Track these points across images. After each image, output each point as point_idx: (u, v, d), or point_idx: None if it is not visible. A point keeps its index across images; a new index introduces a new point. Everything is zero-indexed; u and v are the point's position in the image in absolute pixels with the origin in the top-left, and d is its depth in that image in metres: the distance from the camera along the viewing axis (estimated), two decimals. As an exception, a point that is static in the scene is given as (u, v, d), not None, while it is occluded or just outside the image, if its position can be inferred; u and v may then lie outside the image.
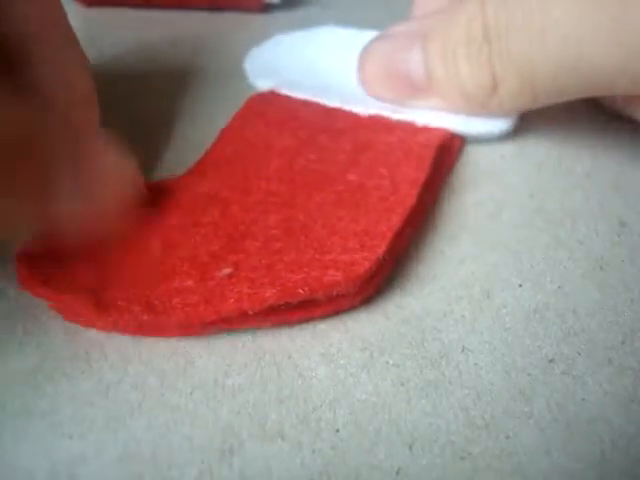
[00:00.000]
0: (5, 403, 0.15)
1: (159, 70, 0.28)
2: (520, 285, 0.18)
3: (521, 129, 0.23)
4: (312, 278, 0.16)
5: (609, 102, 0.23)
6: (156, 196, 0.19)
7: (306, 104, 0.24)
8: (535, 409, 0.15)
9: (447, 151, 0.22)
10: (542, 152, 0.23)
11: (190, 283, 0.17)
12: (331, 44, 0.27)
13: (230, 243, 0.18)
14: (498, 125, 0.23)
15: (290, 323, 0.17)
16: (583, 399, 0.15)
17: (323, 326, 0.17)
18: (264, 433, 0.14)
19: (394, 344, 0.16)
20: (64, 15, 0.18)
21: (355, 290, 0.17)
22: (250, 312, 0.16)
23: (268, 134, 0.22)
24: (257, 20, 0.32)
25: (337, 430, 0.14)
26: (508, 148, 0.23)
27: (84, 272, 0.17)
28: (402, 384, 0.15)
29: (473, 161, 0.22)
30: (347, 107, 0.23)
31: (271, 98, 0.24)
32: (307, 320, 0.17)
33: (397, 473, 0.14)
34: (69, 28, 0.18)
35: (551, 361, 0.16)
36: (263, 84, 0.25)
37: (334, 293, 0.16)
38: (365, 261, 0.17)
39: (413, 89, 0.22)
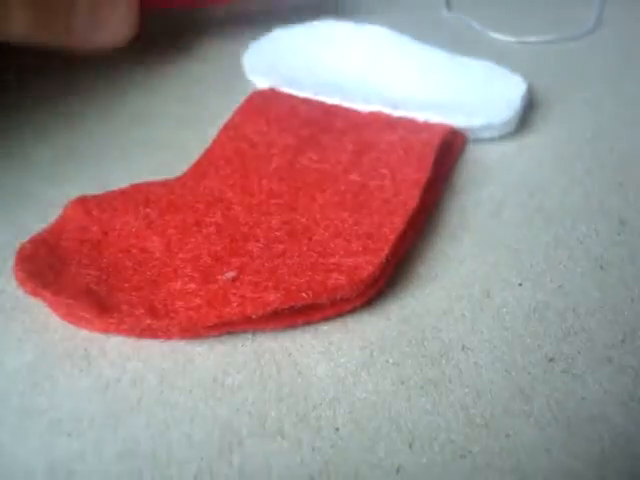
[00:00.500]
0: (4, 400, 0.15)
1: (151, 64, 0.27)
2: (520, 284, 0.18)
3: (521, 129, 0.23)
4: (316, 282, 0.16)
5: None
6: (157, 196, 0.19)
7: (306, 102, 0.23)
8: (535, 408, 0.15)
9: (449, 150, 0.22)
10: (542, 151, 0.23)
11: (193, 286, 0.16)
12: (330, 38, 0.27)
13: (232, 244, 0.18)
14: (499, 116, 0.22)
15: (292, 326, 0.17)
16: (583, 398, 0.15)
17: (323, 325, 0.17)
18: (264, 431, 0.14)
19: (394, 343, 0.16)
20: None
21: (358, 293, 0.17)
22: (253, 316, 0.16)
23: (269, 132, 0.22)
24: (259, 13, 0.32)
25: (337, 428, 0.14)
26: (508, 147, 0.23)
27: (84, 274, 0.17)
28: (402, 382, 0.15)
29: (473, 160, 0.22)
30: (347, 104, 0.23)
31: (271, 96, 0.24)
32: (309, 323, 0.17)
33: (397, 471, 0.14)
34: None
35: (551, 360, 0.16)
36: (262, 82, 0.25)
37: (338, 297, 0.16)
38: (369, 265, 0.17)
39: None
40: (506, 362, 0.16)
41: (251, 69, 0.25)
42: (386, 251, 0.17)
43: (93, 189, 0.20)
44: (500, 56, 0.25)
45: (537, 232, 0.19)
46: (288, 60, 0.26)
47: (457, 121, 0.22)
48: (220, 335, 0.16)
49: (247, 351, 0.16)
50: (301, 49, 0.26)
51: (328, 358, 0.16)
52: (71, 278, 0.16)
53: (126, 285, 0.17)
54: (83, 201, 0.19)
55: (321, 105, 0.23)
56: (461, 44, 0.27)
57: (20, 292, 0.18)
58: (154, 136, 0.23)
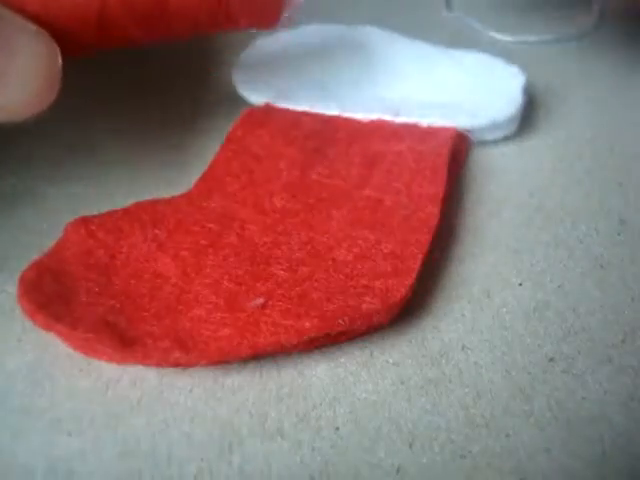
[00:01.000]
0: (4, 400, 0.15)
1: (147, 76, 0.27)
2: (520, 284, 0.18)
3: (521, 128, 0.23)
4: (350, 307, 0.16)
5: None
6: (163, 215, 0.19)
7: (305, 114, 0.23)
8: (535, 408, 0.15)
9: (455, 156, 0.22)
10: (542, 151, 0.23)
11: (219, 314, 0.16)
12: (320, 43, 0.26)
13: (254, 268, 0.17)
14: (502, 113, 0.22)
15: (318, 347, 0.16)
16: (583, 398, 0.15)
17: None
18: (264, 431, 0.14)
19: (394, 343, 0.16)
20: None
21: (391, 317, 0.16)
22: (287, 345, 0.15)
23: (274, 145, 0.21)
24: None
25: (337, 428, 0.14)
26: (508, 147, 0.23)
27: (97, 303, 0.16)
28: (402, 382, 0.15)
29: (473, 160, 0.22)
30: (346, 114, 0.23)
31: (268, 111, 0.23)
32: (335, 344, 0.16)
33: (397, 471, 0.14)
34: None
35: (551, 360, 0.16)
36: (257, 99, 0.24)
37: (373, 322, 0.16)
38: (401, 287, 0.16)
39: None
40: (506, 362, 0.16)
41: (244, 87, 0.24)
42: (416, 271, 0.17)
43: (94, 188, 0.20)
44: (500, 56, 0.25)
45: (537, 232, 0.19)
46: (280, 72, 0.25)
47: (460, 122, 0.22)
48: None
49: (247, 351, 0.16)
50: (290, 58, 0.25)
51: (328, 358, 0.16)
52: (84, 308, 0.16)
53: (145, 314, 0.16)
54: (84, 222, 0.18)
55: (320, 117, 0.23)
56: (461, 44, 0.27)
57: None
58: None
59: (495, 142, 0.23)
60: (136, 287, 0.17)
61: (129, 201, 0.21)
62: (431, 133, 0.22)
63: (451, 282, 0.18)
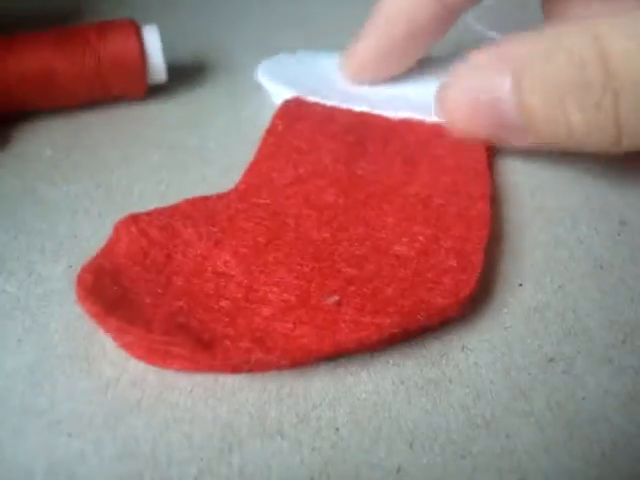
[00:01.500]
0: (4, 401, 0.15)
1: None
2: (520, 284, 0.18)
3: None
4: (425, 303, 0.16)
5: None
6: (215, 212, 0.18)
7: (336, 109, 0.23)
8: (535, 408, 0.15)
9: (488, 153, 0.22)
10: (542, 150, 0.23)
11: (295, 313, 0.15)
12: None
13: (320, 264, 0.17)
14: None
15: (394, 344, 0.16)
16: (583, 398, 0.15)
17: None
18: (264, 431, 0.14)
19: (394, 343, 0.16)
20: None
21: (463, 311, 0.16)
22: (368, 342, 0.15)
23: (314, 139, 0.21)
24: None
25: (337, 429, 0.14)
26: (508, 147, 0.23)
27: (165, 305, 0.15)
28: (402, 383, 0.15)
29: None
30: (376, 111, 0.23)
31: (301, 104, 0.23)
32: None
33: (397, 471, 0.14)
34: None
35: (551, 360, 0.16)
36: (286, 92, 0.24)
37: (447, 317, 0.16)
38: (470, 281, 0.17)
39: (502, 126, 0.19)
40: (506, 362, 0.16)
41: (271, 82, 0.25)
42: (480, 266, 0.17)
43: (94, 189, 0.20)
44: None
45: (537, 232, 0.19)
46: (306, 73, 0.25)
47: None
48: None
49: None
50: (315, 63, 0.26)
51: (328, 358, 0.16)
52: (152, 310, 0.15)
53: (216, 315, 0.15)
54: (135, 220, 0.18)
55: (352, 112, 0.23)
56: (461, 44, 0.27)
57: (20, 291, 0.18)
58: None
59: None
60: (200, 286, 0.16)
61: (130, 201, 0.21)
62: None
63: (451, 282, 0.18)
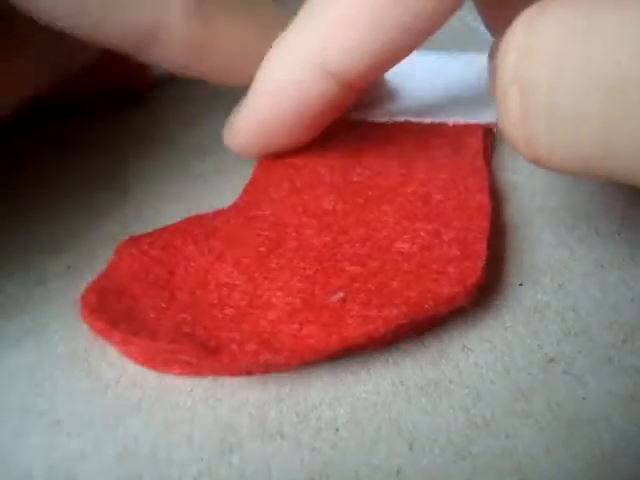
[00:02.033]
0: (3, 401, 0.15)
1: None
2: (520, 284, 0.18)
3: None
4: (432, 292, 0.16)
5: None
6: (214, 228, 0.19)
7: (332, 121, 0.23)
8: (535, 408, 0.15)
9: (485, 152, 0.22)
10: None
11: (299, 313, 0.15)
12: None
13: (323, 266, 0.17)
14: None
15: (403, 339, 0.16)
16: (584, 398, 0.15)
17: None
18: (264, 431, 0.14)
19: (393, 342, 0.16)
20: None
21: (471, 299, 0.16)
22: (376, 335, 0.15)
23: (310, 154, 0.21)
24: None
25: (337, 429, 0.14)
26: (508, 147, 0.23)
27: (169, 317, 0.15)
28: (402, 383, 0.15)
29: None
30: (370, 119, 0.23)
31: None
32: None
33: (397, 472, 0.14)
34: None
35: (551, 360, 0.16)
36: None
37: (455, 306, 0.16)
38: (476, 269, 0.16)
39: None
40: (506, 362, 0.16)
41: None
42: (485, 254, 0.17)
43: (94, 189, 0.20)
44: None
45: (538, 231, 0.19)
46: None
47: (483, 118, 0.22)
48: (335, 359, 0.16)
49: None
50: None
51: (337, 356, 0.16)
52: (156, 322, 0.15)
53: (220, 322, 0.15)
54: (135, 242, 0.18)
55: (348, 122, 0.23)
56: (460, 44, 0.27)
57: (20, 291, 0.18)
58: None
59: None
60: (203, 297, 0.16)
61: (128, 200, 0.21)
62: (460, 131, 0.22)
63: (451, 282, 0.18)
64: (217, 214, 0.19)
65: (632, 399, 0.15)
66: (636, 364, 0.16)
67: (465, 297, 0.16)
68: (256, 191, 0.20)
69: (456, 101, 0.24)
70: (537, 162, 0.15)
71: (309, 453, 0.14)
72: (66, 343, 0.16)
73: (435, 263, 0.17)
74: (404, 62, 0.26)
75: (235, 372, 0.15)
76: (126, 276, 0.17)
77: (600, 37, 0.12)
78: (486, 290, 0.17)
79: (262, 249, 0.18)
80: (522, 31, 0.13)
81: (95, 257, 0.19)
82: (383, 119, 0.23)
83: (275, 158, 0.21)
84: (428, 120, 0.23)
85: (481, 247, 0.17)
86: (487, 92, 0.21)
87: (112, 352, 0.16)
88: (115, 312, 0.15)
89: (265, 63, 0.19)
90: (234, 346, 0.15)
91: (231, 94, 0.21)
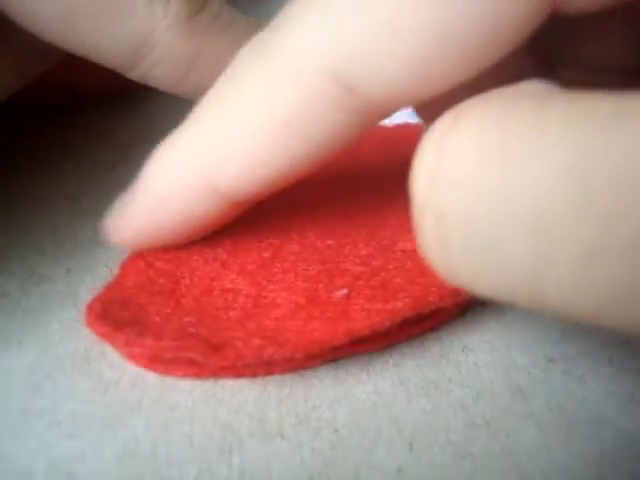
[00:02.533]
0: (4, 401, 0.15)
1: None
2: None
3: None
4: (436, 286, 0.16)
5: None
6: (215, 237, 0.18)
7: None
8: (535, 408, 0.15)
9: None
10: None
11: (304, 310, 0.15)
12: None
13: (326, 266, 0.17)
14: None
15: (409, 337, 0.16)
16: (583, 398, 0.15)
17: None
18: (264, 432, 0.14)
19: (393, 343, 0.16)
20: None
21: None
22: (381, 327, 0.15)
23: None
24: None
25: (337, 429, 0.14)
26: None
27: (174, 320, 0.16)
28: (402, 383, 0.15)
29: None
30: None
31: None
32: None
33: (397, 472, 0.14)
34: None
35: (551, 360, 0.16)
36: None
37: (460, 299, 0.16)
38: None
39: None
40: (506, 362, 0.16)
41: None
42: None
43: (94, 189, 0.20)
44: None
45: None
46: None
47: None
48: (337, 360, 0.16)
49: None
50: None
51: (328, 359, 0.16)
52: (161, 325, 0.15)
53: (225, 323, 0.15)
54: (142, 256, 0.18)
55: None
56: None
57: (20, 292, 0.18)
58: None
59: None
60: (208, 303, 0.16)
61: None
62: None
63: (451, 283, 0.18)
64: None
65: (631, 399, 0.15)
66: (635, 365, 0.16)
67: (468, 293, 0.16)
68: (255, 204, 0.20)
69: None
70: (462, 289, 0.13)
71: (309, 453, 0.14)
72: (66, 344, 0.16)
73: None
74: None
75: (239, 372, 0.15)
76: (132, 287, 0.17)
77: (515, 161, 0.10)
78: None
79: (266, 254, 0.18)
80: (433, 149, 0.12)
81: (95, 260, 0.19)
82: (382, 121, 0.23)
83: None
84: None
85: None
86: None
87: (112, 353, 0.16)
88: (120, 318, 0.15)
89: (150, 169, 0.17)
90: (239, 342, 0.15)
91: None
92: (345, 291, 0.16)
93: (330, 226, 0.19)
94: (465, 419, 0.14)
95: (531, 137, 0.10)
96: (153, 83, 0.19)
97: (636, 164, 0.09)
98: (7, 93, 0.19)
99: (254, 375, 0.15)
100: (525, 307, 0.11)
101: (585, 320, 0.11)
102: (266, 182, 0.16)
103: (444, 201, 0.11)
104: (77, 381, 0.15)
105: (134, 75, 0.19)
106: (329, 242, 0.18)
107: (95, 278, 0.18)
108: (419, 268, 0.17)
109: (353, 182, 0.21)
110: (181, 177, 0.16)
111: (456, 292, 0.16)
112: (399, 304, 0.15)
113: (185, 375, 0.15)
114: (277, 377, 0.16)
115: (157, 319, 0.16)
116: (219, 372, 0.15)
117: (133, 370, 0.16)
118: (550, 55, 0.17)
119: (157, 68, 0.19)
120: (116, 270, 0.17)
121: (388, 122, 0.23)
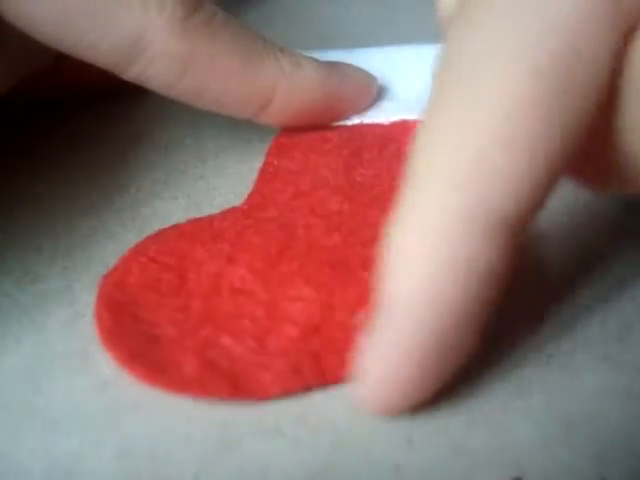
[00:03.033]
0: (1, 400, 0.15)
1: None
2: (517, 281, 0.18)
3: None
4: None
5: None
6: (222, 230, 0.18)
7: (329, 128, 0.23)
8: (533, 404, 0.15)
9: None
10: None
11: (322, 332, 0.15)
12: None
13: (336, 273, 0.17)
14: None
15: None
16: (581, 394, 0.15)
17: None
18: (262, 430, 0.14)
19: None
20: None
21: None
22: None
23: (309, 159, 0.21)
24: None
25: (335, 426, 0.14)
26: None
27: (187, 335, 0.15)
28: (400, 380, 0.15)
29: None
30: (368, 121, 0.23)
31: (292, 134, 0.23)
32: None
33: (396, 469, 0.14)
34: None
35: (549, 356, 0.16)
36: None
37: None
38: None
39: None
40: (504, 359, 0.16)
41: None
42: None
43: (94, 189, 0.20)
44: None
45: (535, 227, 0.19)
46: None
47: None
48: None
49: (245, 350, 0.16)
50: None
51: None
52: (181, 345, 0.15)
53: (241, 338, 0.15)
54: (143, 248, 0.18)
55: (344, 127, 0.23)
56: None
57: (18, 290, 0.18)
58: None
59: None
60: (218, 307, 0.16)
61: (126, 200, 0.21)
62: None
63: (449, 280, 0.18)
64: (222, 217, 0.19)
65: (629, 396, 0.15)
66: (633, 361, 0.16)
67: None
68: (261, 196, 0.20)
69: None
70: None
71: (308, 452, 0.14)
72: (64, 342, 0.16)
73: None
74: (395, 57, 0.26)
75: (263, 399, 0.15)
76: (137, 286, 0.17)
77: None
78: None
79: (273, 251, 0.18)
80: None
81: (92, 257, 0.19)
82: (379, 119, 0.23)
83: (275, 168, 0.21)
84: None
85: None
86: None
87: (110, 351, 0.16)
88: (134, 335, 0.15)
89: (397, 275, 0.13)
90: (261, 375, 0.15)
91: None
92: (362, 315, 0.16)
93: (335, 224, 0.19)
94: (463, 416, 0.14)
95: None
96: (147, 84, 0.19)
97: None
98: (0, 90, 0.19)
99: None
100: None
101: None
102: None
103: None
104: (75, 379, 0.15)
105: (128, 76, 0.19)
106: (336, 240, 0.18)
107: (92, 276, 0.18)
108: None
109: (355, 178, 0.21)
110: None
111: None
112: None
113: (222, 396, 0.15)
114: (275, 375, 0.15)
115: (172, 332, 0.15)
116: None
117: (131, 369, 0.16)
118: None
119: (151, 68, 0.18)
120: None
121: (386, 120, 0.23)
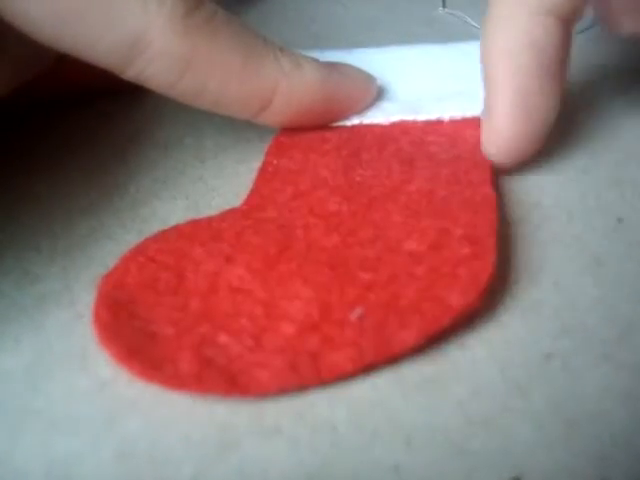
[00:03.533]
0: (0, 401, 0.15)
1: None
2: (516, 282, 0.18)
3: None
4: (446, 307, 0.16)
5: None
6: (221, 230, 0.18)
7: (328, 128, 0.23)
8: (533, 405, 0.15)
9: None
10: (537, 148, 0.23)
11: (320, 330, 0.15)
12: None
13: (335, 272, 0.17)
14: None
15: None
16: (581, 394, 0.15)
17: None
18: (261, 430, 0.14)
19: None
20: None
21: (482, 299, 0.16)
22: (394, 357, 0.15)
23: (308, 159, 0.21)
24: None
25: (334, 427, 0.14)
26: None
27: (184, 333, 0.15)
28: (399, 380, 0.15)
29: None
30: (367, 121, 0.23)
31: (292, 134, 0.23)
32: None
33: (395, 470, 0.14)
34: None
35: (549, 357, 0.16)
36: None
37: (471, 313, 0.16)
38: (486, 267, 0.16)
39: None
40: (503, 359, 0.16)
41: None
42: (494, 249, 0.17)
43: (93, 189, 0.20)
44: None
45: (533, 229, 0.19)
46: None
47: (479, 110, 0.22)
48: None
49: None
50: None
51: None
52: (178, 344, 0.15)
53: (239, 337, 0.15)
54: (142, 248, 0.18)
55: (344, 128, 0.23)
56: (456, 40, 0.26)
57: (16, 291, 0.18)
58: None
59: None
60: (216, 305, 0.16)
61: (126, 200, 0.21)
62: (457, 125, 0.22)
63: (448, 280, 0.18)
64: (221, 218, 0.19)
65: (629, 395, 0.15)
66: (633, 360, 0.16)
67: (478, 300, 0.16)
68: (260, 197, 0.20)
69: (451, 94, 0.23)
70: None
71: (307, 451, 0.14)
72: (63, 342, 0.16)
73: (445, 265, 0.17)
74: (394, 57, 0.26)
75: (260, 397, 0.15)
76: (136, 285, 0.17)
77: None
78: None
79: (272, 250, 0.18)
80: None
81: (91, 258, 0.19)
82: (378, 120, 0.23)
83: (275, 167, 0.21)
84: (424, 116, 0.22)
85: (490, 242, 0.17)
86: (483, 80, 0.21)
87: (109, 351, 0.16)
88: (131, 332, 0.15)
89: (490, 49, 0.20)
90: (258, 373, 0.15)
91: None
92: (359, 311, 0.16)
93: (334, 224, 0.19)
94: (463, 416, 0.14)
95: None
96: (147, 84, 0.19)
97: None
98: (3, 92, 0.19)
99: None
100: None
101: None
102: None
103: None
104: (74, 380, 0.15)
105: (128, 75, 0.19)
106: (335, 240, 0.18)
107: (91, 276, 0.18)
108: (427, 277, 0.17)
109: (354, 178, 0.20)
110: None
111: (466, 306, 0.16)
112: (413, 334, 0.15)
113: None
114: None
115: (169, 331, 0.15)
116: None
117: (130, 369, 0.16)
118: None
119: (151, 67, 0.18)
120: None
121: (385, 120, 0.23)
